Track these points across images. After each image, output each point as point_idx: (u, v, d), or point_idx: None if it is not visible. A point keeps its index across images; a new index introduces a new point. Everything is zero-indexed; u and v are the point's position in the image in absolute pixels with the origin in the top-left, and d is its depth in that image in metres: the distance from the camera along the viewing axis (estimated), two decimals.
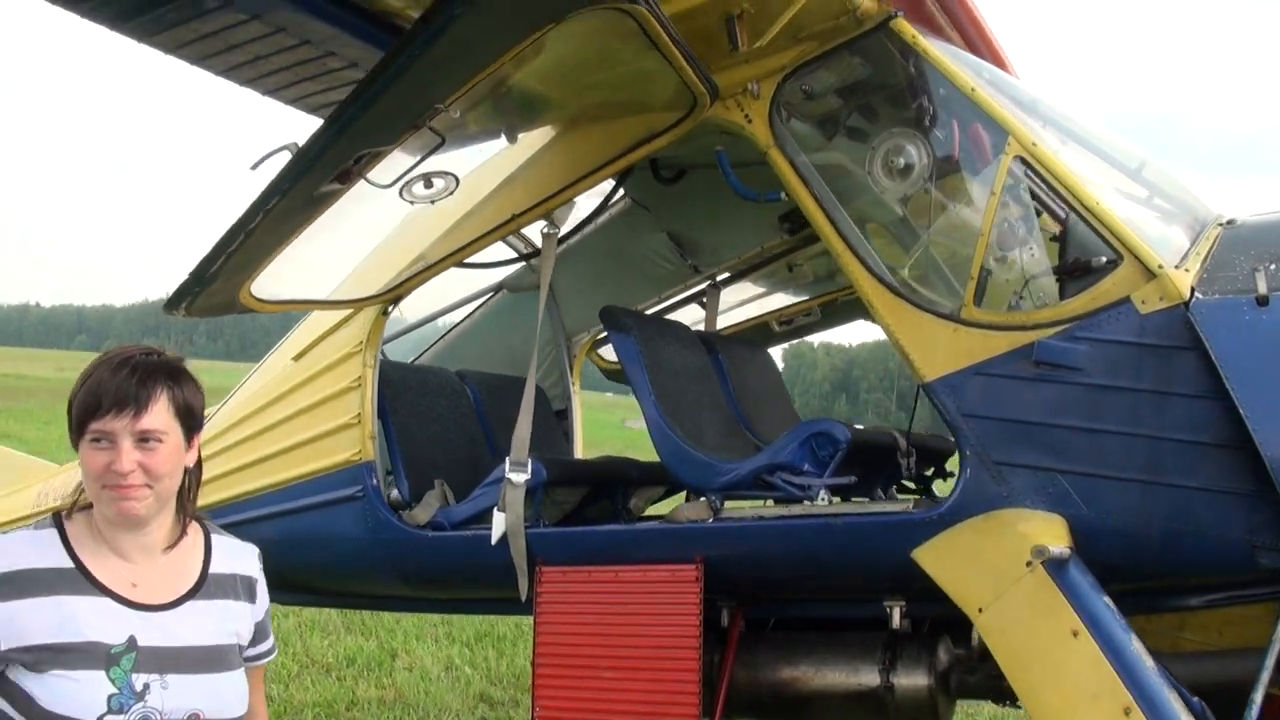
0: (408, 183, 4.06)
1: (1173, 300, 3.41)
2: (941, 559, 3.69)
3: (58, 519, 2.28)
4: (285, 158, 3.53)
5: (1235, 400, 3.22)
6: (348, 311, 4.89)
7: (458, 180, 4.20)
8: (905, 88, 4.02)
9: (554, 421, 5.99)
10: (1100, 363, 3.49)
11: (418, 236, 4.71)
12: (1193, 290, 3.40)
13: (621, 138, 4.27)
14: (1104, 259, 3.59)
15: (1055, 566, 3.39)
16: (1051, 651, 3.33)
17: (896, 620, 4.02)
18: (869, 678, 4.08)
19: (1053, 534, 3.48)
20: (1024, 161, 3.65)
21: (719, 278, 5.94)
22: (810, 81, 4.05)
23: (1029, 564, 3.42)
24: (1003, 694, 4.10)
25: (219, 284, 4.14)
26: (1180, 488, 3.41)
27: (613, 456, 5.29)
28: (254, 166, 3.56)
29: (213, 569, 2.39)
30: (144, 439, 2.17)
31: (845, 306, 6.50)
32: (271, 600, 2.53)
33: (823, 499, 4.01)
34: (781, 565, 4.09)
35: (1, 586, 2.14)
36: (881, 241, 4.09)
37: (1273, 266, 3.40)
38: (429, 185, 4.22)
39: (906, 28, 3.84)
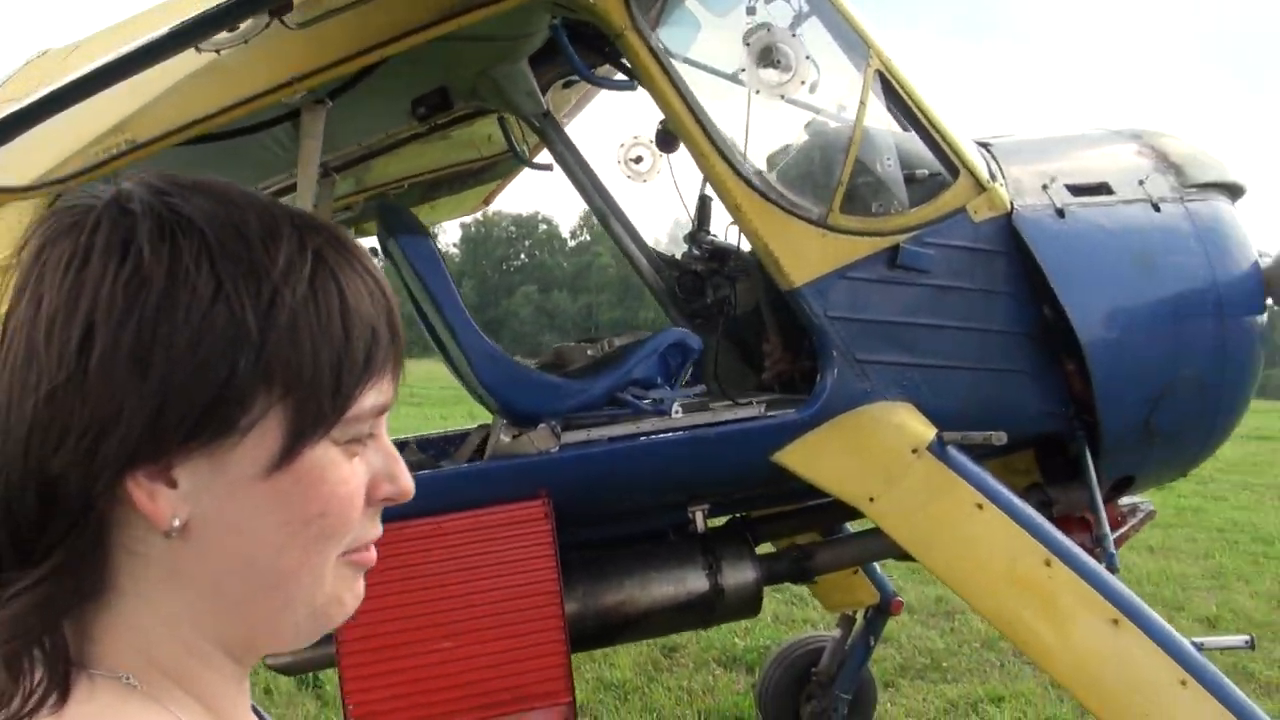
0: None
1: (999, 211, 4.21)
2: (813, 458, 4.10)
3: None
4: None
5: (1055, 291, 4.15)
6: None
7: (271, 18, 3.35)
8: None
9: None
10: (943, 265, 4.16)
11: (113, 103, 3.57)
12: (1011, 204, 4.25)
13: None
14: (926, 172, 4.28)
15: (940, 450, 4.04)
16: (961, 527, 3.98)
17: (701, 524, 4.36)
18: (697, 583, 4.35)
19: (920, 422, 4.12)
20: (882, 76, 4.12)
21: (333, 165, 5.32)
22: None
23: (914, 451, 4.05)
24: (804, 574, 4.70)
25: None
26: (1000, 371, 4.29)
27: None
28: None
29: None
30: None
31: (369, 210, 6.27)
32: None
33: (676, 412, 4.14)
34: (636, 486, 4.13)
35: None
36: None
37: (1052, 183, 4.39)
38: (235, 27, 3.32)
39: None
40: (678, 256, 5.60)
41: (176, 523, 0.94)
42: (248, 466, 0.95)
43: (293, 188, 5.43)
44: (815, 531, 5.25)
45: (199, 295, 0.91)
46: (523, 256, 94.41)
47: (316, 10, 3.48)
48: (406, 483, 1.06)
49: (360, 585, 1.08)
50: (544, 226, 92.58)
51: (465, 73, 4.99)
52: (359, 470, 1.02)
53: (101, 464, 0.91)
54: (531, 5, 3.95)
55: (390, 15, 3.71)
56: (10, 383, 0.93)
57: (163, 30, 3.01)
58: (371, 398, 1.00)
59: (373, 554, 1.07)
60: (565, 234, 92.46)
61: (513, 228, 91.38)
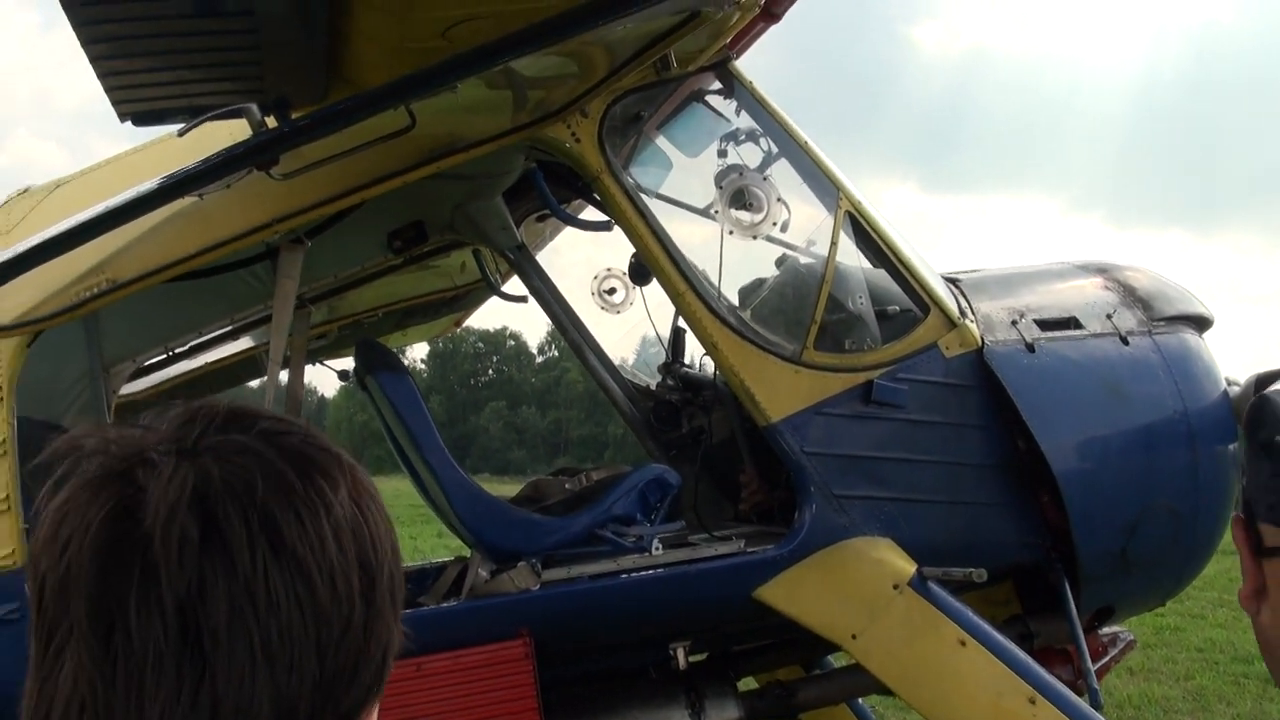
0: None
1: (970, 347, 4.36)
2: (795, 594, 4.17)
3: None
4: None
5: (1028, 424, 4.27)
6: None
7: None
8: (741, 129, 4.36)
9: None
10: (917, 400, 4.29)
11: (93, 243, 3.68)
12: (982, 339, 4.41)
13: (425, 143, 3.91)
14: (897, 308, 4.44)
15: (921, 586, 4.13)
16: (945, 663, 4.03)
17: (683, 661, 4.40)
18: None
19: (900, 556, 4.20)
20: (852, 217, 4.30)
21: (308, 297, 5.45)
22: (641, 106, 4.18)
23: (895, 587, 4.12)
24: (788, 712, 4.71)
25: None
26: (976, 504, 4.39)
27: None
28: (184, 131, 2.92)
29: None
30: None
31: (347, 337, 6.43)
32: None
33: (656, 548, 4.21)
34: (618, 623, 4.18)
35: None
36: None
37: (1021, 319, 4.55)
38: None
39: (741, 71, 4.22)
40: (652, 387, 5.73)
41: None
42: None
43: (267, 319, 5.56)
44: (797, 664, 5.28)
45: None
46: (490, 372, 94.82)
47: (300, 163, 3.63)
48: None
49: None
50: (512, 342, 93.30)
51: (441, 207, 5.16)
52: None
53: (360, 694, 0.95)
54: (507, 147, 4.11)
55: (370, 163, 3.87)
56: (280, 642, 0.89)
57: (152, 183, 3.15)
58: None
59: None
60: (533, 349, 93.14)
61: (480, 344, 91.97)
